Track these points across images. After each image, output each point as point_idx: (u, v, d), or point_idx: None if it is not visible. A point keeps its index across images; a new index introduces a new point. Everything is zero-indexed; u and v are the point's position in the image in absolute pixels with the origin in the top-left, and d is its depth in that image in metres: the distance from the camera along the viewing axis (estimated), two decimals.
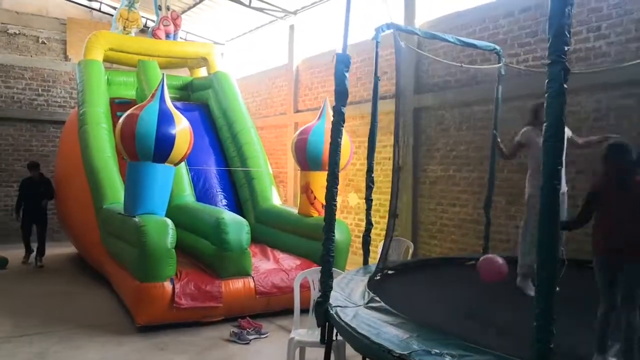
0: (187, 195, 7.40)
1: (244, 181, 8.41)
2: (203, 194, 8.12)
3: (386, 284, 3.49)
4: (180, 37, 10.20)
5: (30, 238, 8.68)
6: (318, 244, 6.46)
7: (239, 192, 8.48)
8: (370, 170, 4.33)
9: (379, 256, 6.20)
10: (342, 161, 6.88)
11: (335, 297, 3.06)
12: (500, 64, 4.96)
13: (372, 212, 7.59)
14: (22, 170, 10.80)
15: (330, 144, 3.10)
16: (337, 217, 7.06)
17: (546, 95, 1.98)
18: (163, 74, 6.33)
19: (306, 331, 4.09)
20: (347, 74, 3.13)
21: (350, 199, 9.39)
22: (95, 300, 6.49)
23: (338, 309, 2.86)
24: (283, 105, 11.12)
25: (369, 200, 4.35)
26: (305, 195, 6.84)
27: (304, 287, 4.30)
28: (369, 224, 4.36)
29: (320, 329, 4.02)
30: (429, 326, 2.46)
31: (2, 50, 10.86)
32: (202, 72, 10.34)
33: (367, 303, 2.90)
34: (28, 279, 7.53)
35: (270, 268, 6.14)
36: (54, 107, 11.28)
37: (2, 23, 10.87)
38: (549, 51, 1.97)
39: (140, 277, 5.32)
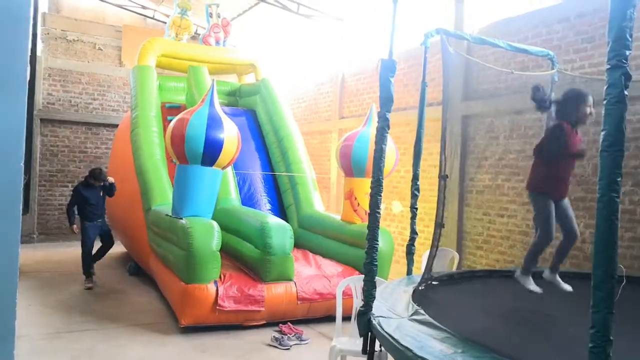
0: (233, 198, 7.50)
1: (287, 186, 8.47)
2: (248, 198, 8.22)
3: (431, 296, 3.40)
4: (230, 44, 10.38)
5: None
6: (360, 251, 6.44)
7: (283, 197, 8.54)
8: (415, 178, 4.24)
9: (423, 266, 6.09)
10: (387, 168, 6.84)
11: (378, 307, 3.00)
12: (553, 71, 4.79)
13: (416, 221, 7.47)
14: (76, 170, 11.29)
15: (375, 150, 3.05)
16: (380, 225, 7.00)
17: (605, 102, 1.88)
18: (213, 79, 6.46)
19: (348, 339, 4.05)
20: (392, 80, 3.08)
21: (393, 207, 9.29)
22: (141, 300, 6.66)
23: (381, 319, 2.81)
24: (328, 112, 11.14)
25: (413, 209, 4.27)
26: (348, 202, 6.81)
27: (346, 294, 4.27)
28: (414, 233, 4.27)
29: (362, 338, 3.98)
30: (475, 342, 2.37)
31: (62, 55, 11.37)
32: (249, 78, 10.52)
33: (411, 315, 2.83)
34: (78, 276, 7.78)
35: (312, 274, 6.14)
36: (108, 111, 11.71)
37: (62, 30, 11.40)
38: (609, 56, 1.87)
39: (185, 278, 5.41)
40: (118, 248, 9.65)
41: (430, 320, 2.70)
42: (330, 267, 6.40)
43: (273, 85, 9.51)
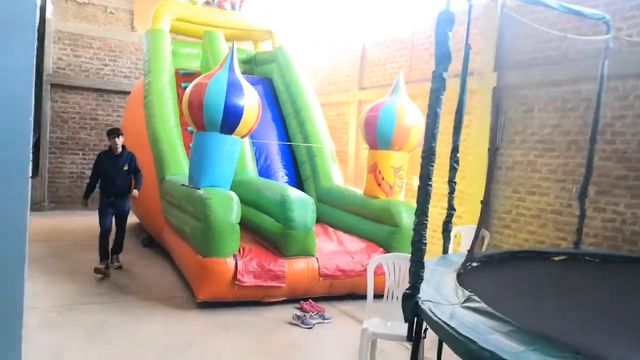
0: (250, 169, 7.21)
1: (305, 158, 8.16)
2: (264, 170, 7.93)
3: (477, 279, 3.10)
4: (246, 9, 9.94)
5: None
6: (384, 227, 6.16)
7: (300, 170, 8.24)
8: (455, 150, 3.92)
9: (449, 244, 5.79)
10: (415, 141, 6.49)
11: (423, 290, 2.71)
12: (609, 36, 4.38)
13: (440, 197, 7.12)
14: (87, 138, 11.02)
15: (428, 115, 2.71)
16: (405, 201, 6.68)
17: None
18: (233, 42, 6.08)
19: (379, 321, 3.78)
20: (449, 34, 2.71)
21: (414, 182, 8.99)
22: (156, 272, 6.43)
23: (430, 304, 2.52)
24: (347, 82, 10.72)
25: (452, 183, 3.94)
26: (372, 176, 6.48)
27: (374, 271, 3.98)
28: (452, 209, 3.96)
29: (396, 321, 3.70)
30: (546, 337, 2.07)
31: (72, 19, 10.98)
32: (265, 46, 10.12)
33: (463, 302, 2.54)
34: (91, 247, 7.57)
35: (334, 250, 5.85)
36: (119, 77, 11.36)
37: None
38: None
39: (203, 251, 5.15)
40: (131, 219, 9.43)
41: (488, 309, 2.40)
42: (353, 243, 6.11)
43: (290, 53, 9.10)
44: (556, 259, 4.26)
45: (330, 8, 11.45)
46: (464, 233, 6.00)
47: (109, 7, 11.37)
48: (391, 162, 6.34)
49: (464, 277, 3.08)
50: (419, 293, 2.62)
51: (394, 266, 3.90)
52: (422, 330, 2.70)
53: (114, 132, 6.29)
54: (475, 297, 2.55)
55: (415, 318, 2.62)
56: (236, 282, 5.08)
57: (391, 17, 9.61)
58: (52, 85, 10.68)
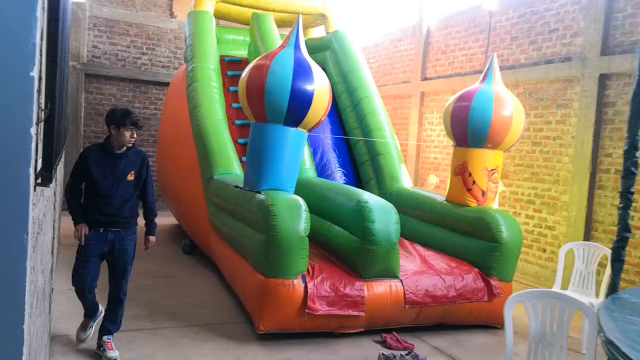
0: (308, 169, 6.22)
1: (366, 157, 7.12)
2: (319, 170, 6.94)
3: None
4: None
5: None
6: (478, 242, 5.02)
7: (360, 170, 7.22)
8: (634, 148, 2.80)
9: (560, 265, 4.67)
10: (514, 137, 5.38)
11: None
12: None
13: (524, 204, 5.95)
14: None
15: None
16: (501, 209, 5.57)
17: None
18: (299, 15, 5.06)
19: None
20: None
21: (429, 179, 8.05)
22: (203, 289, 5.48)
23: None
24: (406, 72, 9.64)
25: (627, 194, 2.82)
26: (459, 179, 5.38)
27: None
28: (626, 231, 2.82)
29: None
30: None
31: (107, 3, 10.18)
32: (315, 33, 9.16)
33: None
34: None
35: (419, 270, 4.77)
36: (157, 67, 10.52)
37: None
38: None
39: (265, 270, 4.16)
40: (169, 219, 8.57)
41: None
42: (439, 261, 5.03)
43: (347, 39, 8.05)
44: None
45: None
46: (579, 252, 4.87)
47: None
48: (484, 163, 5.25)
49: None
50: None
51: (541, 307, 2.83)
52: None
53: (125, 116, 3.59)
54: None
55: None
56: (307, 310, 4.08)
57: None
58: (87, 75, 9.91)
